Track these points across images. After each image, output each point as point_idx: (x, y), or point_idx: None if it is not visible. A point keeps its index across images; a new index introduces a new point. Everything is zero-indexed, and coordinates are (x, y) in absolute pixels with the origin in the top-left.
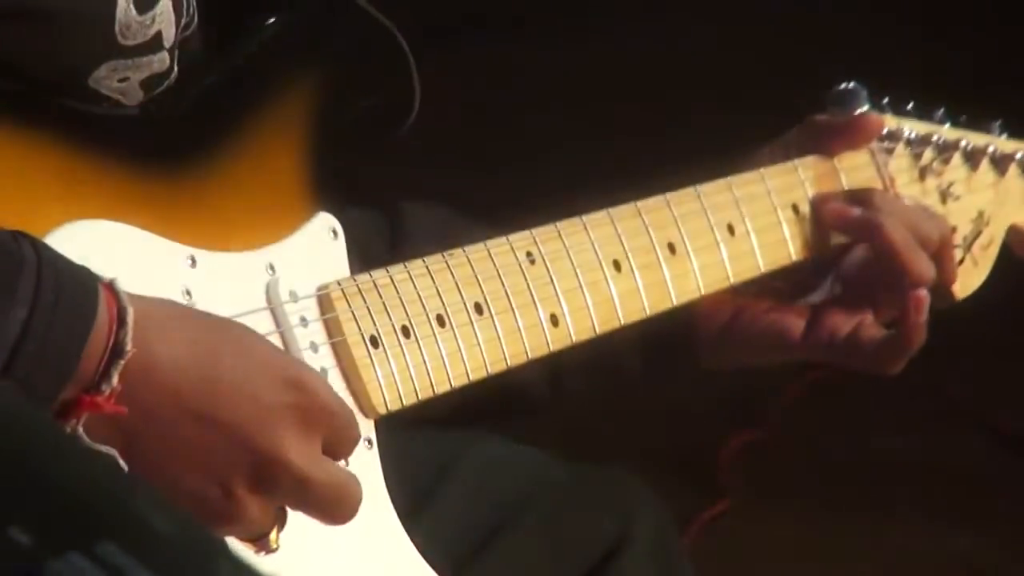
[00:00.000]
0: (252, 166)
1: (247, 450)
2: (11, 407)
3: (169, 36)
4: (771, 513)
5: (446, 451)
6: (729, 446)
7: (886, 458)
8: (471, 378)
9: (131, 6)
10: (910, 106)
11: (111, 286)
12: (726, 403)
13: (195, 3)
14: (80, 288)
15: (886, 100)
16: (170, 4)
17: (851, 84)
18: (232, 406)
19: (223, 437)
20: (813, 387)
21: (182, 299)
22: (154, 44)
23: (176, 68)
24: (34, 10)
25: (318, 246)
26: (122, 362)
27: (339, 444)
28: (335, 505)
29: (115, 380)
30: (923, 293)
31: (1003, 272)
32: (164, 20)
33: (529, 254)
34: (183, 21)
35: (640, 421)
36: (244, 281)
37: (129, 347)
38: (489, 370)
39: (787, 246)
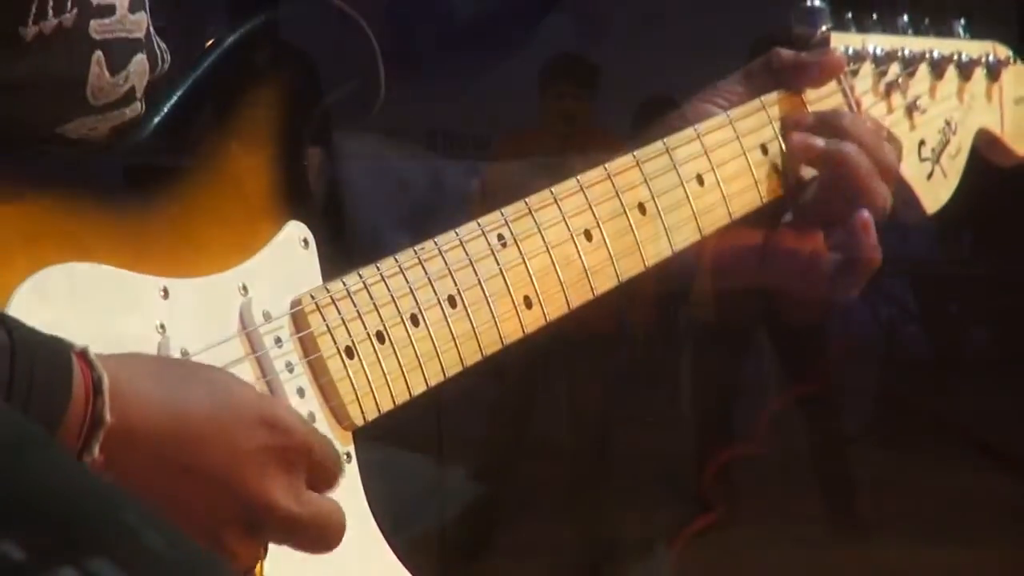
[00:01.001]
0: (217, 182)
1: (232, 499)
2: (5, 423)
3: (141, 86)
4: (757, 527)
5: None
6: (717, 460)
7: (873, 474)
8: (447, 375)
9: (104, 70)
10: (874, 18)
11: (85, 355)
12: (714, 418)
13: (167, 49)
14: (54, 364)
15: (850, 15)
16: (144, 57)
17: (815, 2)
18: (212, 459)
19: (207, 490)
20: (799, 402)
21: (156, 334)
22: (127, 98)
23: (145, 105)
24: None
25: (289, 258)
26: (102, 433)
27: (322, 475)
28: (320, 538)
29: (96, 452)
30: (866, 213)
31: (1000, 295)
32: (137, 74)
33: (500, 236)
34: (157, 69)
35: (629, 434)
36: (217, 306)
37: (108, 418)
38: (465, 364)
39: (756, 190)
